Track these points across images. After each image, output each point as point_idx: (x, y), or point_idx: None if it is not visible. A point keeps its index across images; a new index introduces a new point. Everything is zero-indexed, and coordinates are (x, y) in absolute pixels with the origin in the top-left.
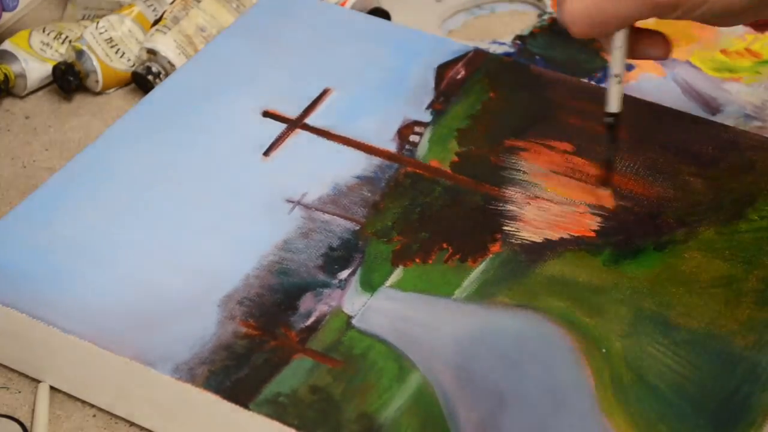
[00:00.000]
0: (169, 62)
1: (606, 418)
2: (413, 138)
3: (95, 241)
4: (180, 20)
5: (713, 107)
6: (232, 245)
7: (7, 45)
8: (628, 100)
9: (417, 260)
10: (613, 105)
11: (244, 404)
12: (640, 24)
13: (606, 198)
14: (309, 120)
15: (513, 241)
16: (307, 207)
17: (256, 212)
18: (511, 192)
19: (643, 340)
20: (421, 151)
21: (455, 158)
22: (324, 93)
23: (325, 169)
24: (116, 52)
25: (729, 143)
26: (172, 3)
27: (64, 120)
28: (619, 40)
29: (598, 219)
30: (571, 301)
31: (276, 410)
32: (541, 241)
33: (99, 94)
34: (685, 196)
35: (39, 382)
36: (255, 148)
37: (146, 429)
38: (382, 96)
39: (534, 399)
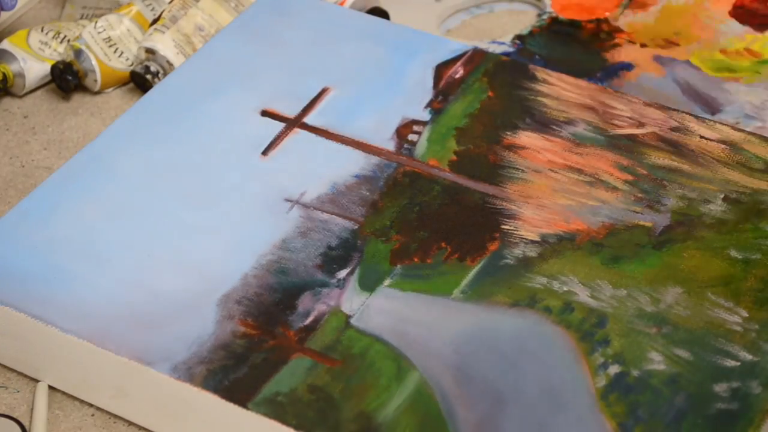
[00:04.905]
0: (167, 61)
1: (605, 418)
2: (412, 137)
3: (93, 240)
4: (178, 19)
5: (713, 107)
6: (230, 244)
7: (6, 44)
8: (630, 99)
9: (416, 259)
10: None
11: (243, 404)
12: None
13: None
14: (307, 119)
15: (512, 239)
16: (305, 206)
17: (254, 211)
18: (509, 191)
19: (642, 339)
20: (420, 150)
21: (454, 157)
22: (322, 92)
23: (323, 169)
24: (115, 52)
25: (733, 143)
26: (170, 2)
27: (63, 119)
28: None
29: (597, 218)
30: (569, 301)
31: (274, 410)
32: (539, 239)
33: (97, 93)
34: (685, 195)
35: (37, 381)
36: (253, 148)
37: (145, 428)
38: (381, 95)
39: (533, 398)
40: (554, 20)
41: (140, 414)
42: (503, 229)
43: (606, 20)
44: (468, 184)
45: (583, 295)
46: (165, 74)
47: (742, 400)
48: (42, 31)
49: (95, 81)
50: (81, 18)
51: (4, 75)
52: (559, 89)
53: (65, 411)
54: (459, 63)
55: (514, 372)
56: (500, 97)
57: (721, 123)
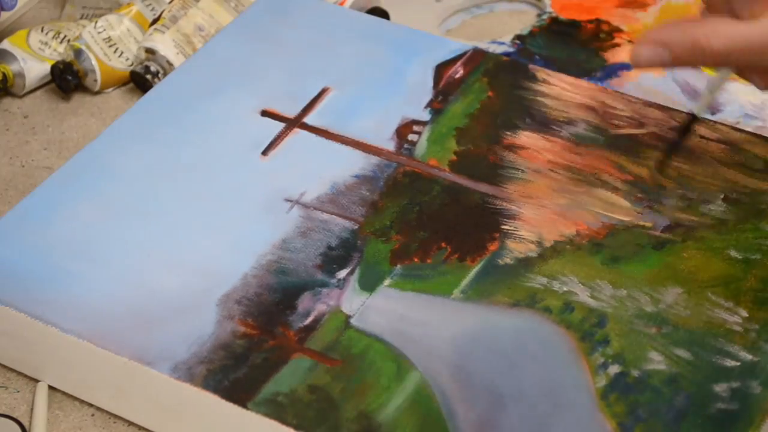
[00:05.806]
0: (167, 61)
1: (604, 418)
2: (412, 137)
3: (94, 240)
4: (178, 19)
5: (713, 107)
6: (230, 244)
7: (6, 44)
8: (630, 99)
9: (415, 259)
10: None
11: (243, 404)
12: None
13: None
14: (307, 119)
15: (512, 240)
16: (305, 206)
17: (254, 211)
18: (509, 191)
19: (642, 339)
20: (420, 150)
21: (454, 157)
22: (323, 92)
23: (323, 169)
24: (115, 52)
25: (733, 143)
26: (170, 2)
27: (63, 119)
28: None
29: (597, 218)
30: (569, 301)
31: (274, 410)
32: (539, 239)
33: (97, 93)
34: (685, 195)
35: (37, 381)
36: (253, 148)
37: (145, 428)
38: (381, 95)
39: (533, 398)
40: (554, 20)
41: (140, 414)
42: (503, 229)
43: (606, 20)
44: (468, 184)
45: (583, 295)
46: (165, 74)
47: (742, 400)
48: (42, 31)
49: (95, 81)
50: (81, 18)
51: (4, 75)
52: (559, 89)
53: (65, 411)
54: (459, 63)
55: (514, 372)
56: (500, 97)
57: (721, 123)
